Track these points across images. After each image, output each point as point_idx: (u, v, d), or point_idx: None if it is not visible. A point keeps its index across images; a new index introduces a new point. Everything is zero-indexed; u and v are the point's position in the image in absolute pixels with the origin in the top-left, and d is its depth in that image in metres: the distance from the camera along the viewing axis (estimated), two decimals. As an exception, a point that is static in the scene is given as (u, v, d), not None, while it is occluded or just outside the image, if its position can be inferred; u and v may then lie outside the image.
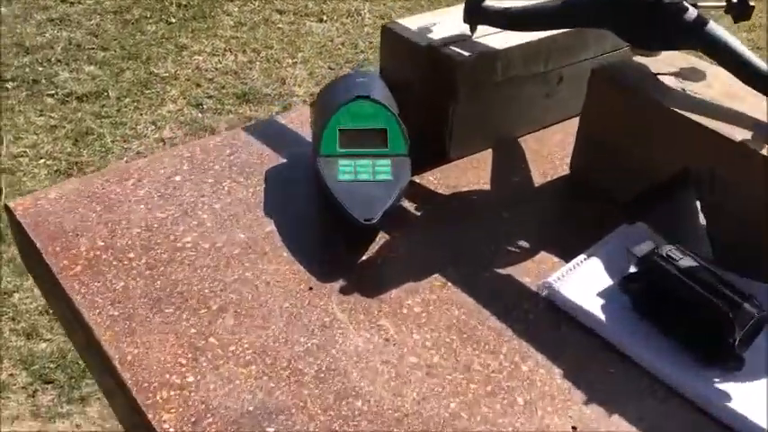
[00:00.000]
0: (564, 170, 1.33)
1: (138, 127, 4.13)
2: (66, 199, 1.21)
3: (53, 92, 4.36)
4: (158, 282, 1.06)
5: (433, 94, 1.29)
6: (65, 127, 4.20)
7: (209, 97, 4.37)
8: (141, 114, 4.25)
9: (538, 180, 1.31)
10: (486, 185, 1.29)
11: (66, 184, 1.24)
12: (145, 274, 1.07)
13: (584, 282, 1.05)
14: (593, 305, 1.02)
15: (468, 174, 1.32)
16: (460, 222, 1.21)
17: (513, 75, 1.31)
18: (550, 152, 1.38)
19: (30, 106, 4.31)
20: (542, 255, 1.14)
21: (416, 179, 1.28)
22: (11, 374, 2.69)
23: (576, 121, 1.34)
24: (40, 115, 4.22)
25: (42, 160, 3.92)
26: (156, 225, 1.16)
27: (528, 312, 1.04)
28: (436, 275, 1.09)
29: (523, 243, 1.16)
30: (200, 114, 4.32)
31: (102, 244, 1.12)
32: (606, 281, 1.06)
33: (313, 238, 1.18)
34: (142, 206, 1.20)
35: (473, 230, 1.19)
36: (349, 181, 1.14)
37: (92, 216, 1.17)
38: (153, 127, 4.24)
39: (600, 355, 0.98)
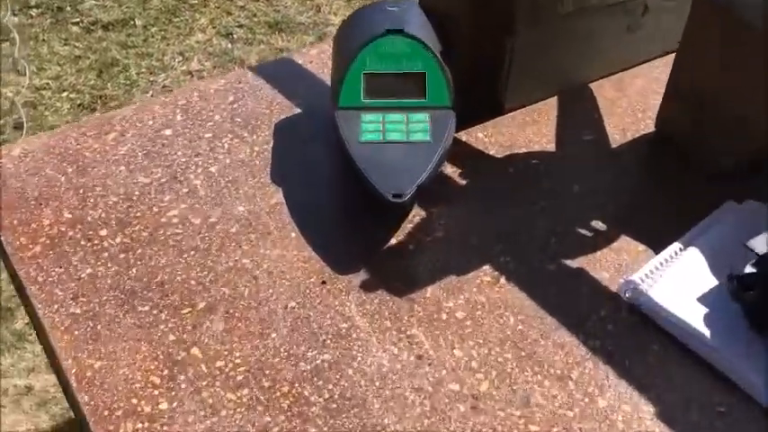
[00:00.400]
0: (648, 126, 1.06)
1: (165, 58, 3.89)
2: (33, 157, 0.99)
3: (78, 20, 4.14)
4: (134, 269, 0.84)
5: (485, 27, 1.02)
6: (89, 57, 3.99)
7: (240, 26, 4.10)
8: (168, 45, 4.01)
9: (615, 139, 1.04)
10: (549, 145, 1.03)
11: (34, 139, 1.02)
12: (118, 257, 0.85)
13: (679, 282, 0.80)
14: (693, 314, 0.77)
15: (528, 130, 1.05)
16: (517, 195, 0.96)
17: (587, 3, 1.03)
18: (631, 103, 1.10)
19: (54, 35, 4.10)
20: (623, 242, 0.88)
21: (461, 136, 1.03)
22: (27, 323, 2.56)
23: (662, 62, 1.05)
24: (65, 44, 4.01)
25: (65, 93, 3.72)
26: (137, 193, 0.94)
27: (606, 322, 0.80)
28: (485, 268, 0.85)
29: (599, 225, 0.91)
30: (229, 45, 4.06)
31: (70, 216, 0.90)
32: (709, 281, 0.81)
33: (330, 214, 0.94)
34: (122, 168, 0.97)
35: (534, 207, 0.94)
36: (375, 142, 0.89)
37: (60, 180, 0.95)
38: (180, 58, 4.00)
39: (704, 384, 0.74)
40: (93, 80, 3.96)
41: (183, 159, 0.99)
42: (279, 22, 4.06)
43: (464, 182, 0.97)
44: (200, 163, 0.99)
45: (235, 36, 4.14)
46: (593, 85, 1.13)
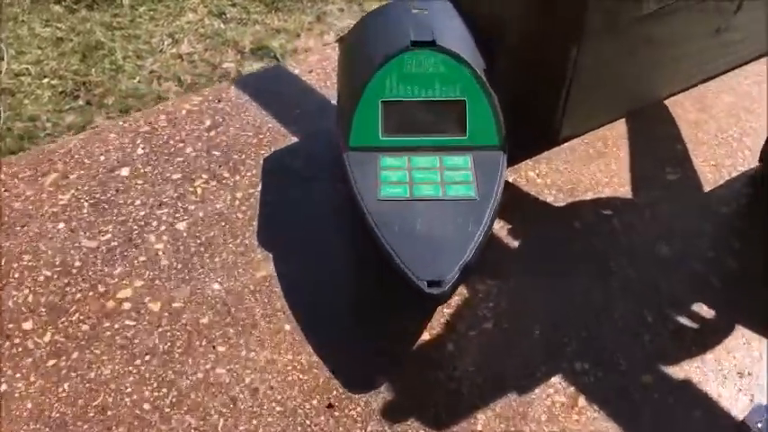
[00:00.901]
0: (748, 160, 0.81)
1: (153, 40, 3.64)
2: (-56, 210, 0.74)
3: (60, -2, 3.87)
4: (66, 384, 0.60)
5: (544, 34, 0.77)
6: (72, 40, 3.73)
7: (233, 5, 3.85)
8: (157, 26, 3.76)
9: (707, 178, 0.80)
10: (623, 188, 0.79)
11: (-52, 182, 0.77)
12: (46, 366, 0.62)
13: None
14: None
15: (593, 166, 0.81)
16: (588, 263, 0.71)
17: (671, 1, 0.78)
18: (720, 126, 0.85)
19: (35, 15, 3.84)
20: (739, 335, 0.65)
21: (507, 175, 0.78)
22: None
23: (753, 71, 0.81)
24: (46, 26, 3.75)
25: (47, 79, 3.47)
26: (77, 263, 0.70)
27: (733, 471, 0.56)
28: (557, 382, 0.61)
29: (703, 310, 0.67)
30: (222, 25, 3.83)
31: (-14, 299, 0.66)
32: None
33: (338, 297, 0.70)
34: (61, 225, 0.73)
35: (612, 282, 0.70)
36: (400, 199, 0.65)
37: (-23, 243, 0.71)
38: (170, 40, 3.75)
39: None
40: (76, 65, 3.70)
41: (143, 212, 0.75)
42: (275, 0, 3.80)
43: (516, 243, 0.73)
44: (164, 217, 0.74)
45: (228, 16, 3.88)
46: (668, 103, 0.88)
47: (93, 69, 4.01)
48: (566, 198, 0.77)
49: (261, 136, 0.84)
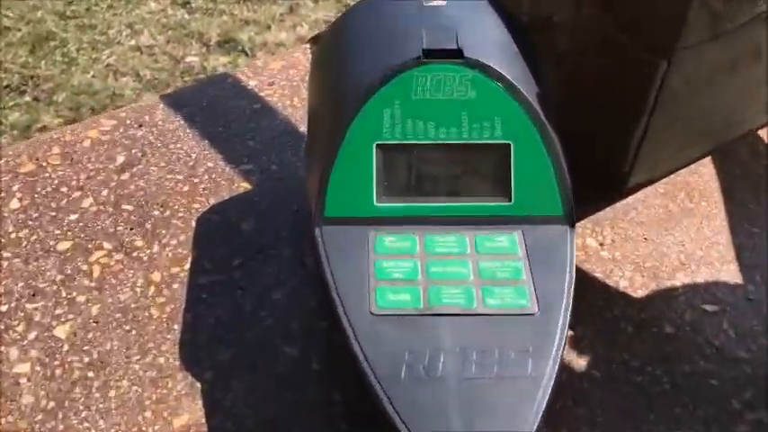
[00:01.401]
0: None
1: (111, 31, 3.34)
2: None
3: (8, -17, 3.55)
4: None
5: (622, 46, 0.52)
6: (20, 30, 3.42)
7: (200, -7, 3.56)
8: (115, 15, 3.45)
9: None
10: (728, 266, 0.54)
11: None
12: None
13: None
14: None
15: (679, 230, 0.56)
16: (708, 408, 0.46)
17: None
18: None
19: (-20, 1, 3.52)
20: None
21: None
22: None
23: None
24: (-8, 13, 3.43)
25: (-10, 72, 3.16)
26: None
27: None
28: None
29: None
30: (186, 15, 3.53)
31: None
32: None
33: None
34: None
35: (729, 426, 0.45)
36: (407, 312, 0.39)
37: None
38: (129, 31, 3.45)
39: None
40: (23, 57, 3.39)
41: (4, 307, 0.48)
42: (244, -12, 3.51)
43: (583, 362, 0.47)
44: (36, 316, 0.48)
45: (193, 5, 3.59)
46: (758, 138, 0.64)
47: (43, 62, 3.60)
48: (647, 282, 0.52)
49: (195, 180, 0.57)
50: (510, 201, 0.43)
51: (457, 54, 0.43)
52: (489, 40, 0.46)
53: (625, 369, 0.47)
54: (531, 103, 0.43)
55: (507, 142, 0.43)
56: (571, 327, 0.43)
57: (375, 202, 0.43)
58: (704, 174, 0.60)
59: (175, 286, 0.51)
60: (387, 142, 0.43)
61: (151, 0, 4.03)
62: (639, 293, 0.51)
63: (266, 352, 0.47)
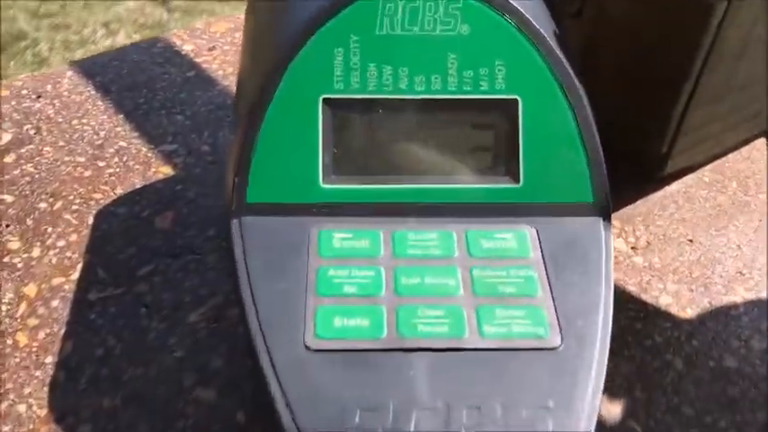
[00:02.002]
0: None
1: (85, 31, 3.20)
2: None
3: (-22, -19, 3.42)
4: None
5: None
6: (-10, 28, 3.28)
7: (179, -8, 3.42)
8: (91, 14, 3.31)
9: None
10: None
11: None
12: None
13: None
14: None
15: (732, 229, 0.43)
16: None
17: None
18: None
19: (-52, -1, 3.39)
20: None
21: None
22: None
23: None
24: (-40, 12, 3.30)
25: (-44, 73, 3.02)
26: None
27: None
28: None
29: None
30: (165, 14, 3.39)
31: None
32: None
33: None
34: None
35: None
36: (364, 347, 0.26)
37: None
38: (104, 31, 3.31)
39: None
40: (-8, 57, 3.25)
41: None
42: (226, -13, 3.38)
43: (617, 411, 0.34)
44: None
45: (172, 4, 3.46)
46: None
47: (12, 62, 3.41)
48: (697, 298, 0.39)
49: (100, 164, 0.44)
50: (518, 182, 0.30)
51: (443, -31, 0.30)
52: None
53: (675, 419, 0.34)
54: (548, 41, 0.30)
55: (514, 97, 0.30)
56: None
57: (321, 183, 0.30)
58: (758, 159, 0.47)
59: (55, 303, 0.37)
60: (339, 97, 0.30)
61: (129, -2, 3.81)
62: (688, 313, 0.38)
63: (174, 396, 0.33)
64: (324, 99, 0.30)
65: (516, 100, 0.30)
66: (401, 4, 0.30)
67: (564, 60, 0.30)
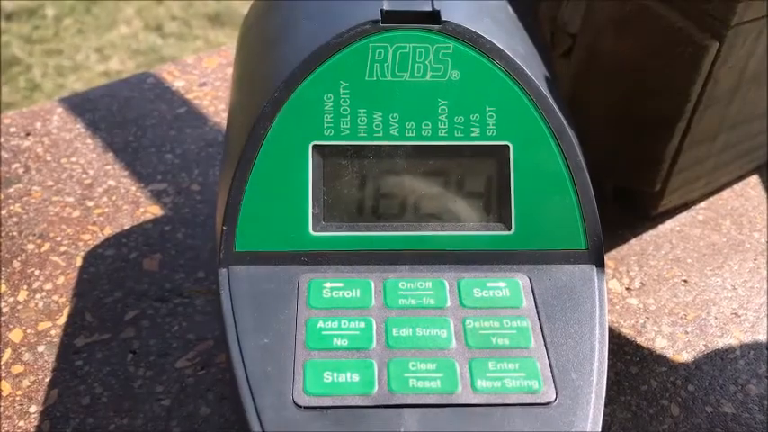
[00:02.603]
0: None
1: (78, 56, 3.21)
2: None
3: (-27, 7, 3.43)
4: None
5: (650, 17, 0.39)
6: (-16, 54, 3.28)
7: (173, 18, 3.43)
8: (84, 40, 3.32)
9: None
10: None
11: None
12: None
13: None
14: None
15: (727, 269, 0.42)
16: None
17: None
18: None
19: (-58, 25, 3.39)
20: None
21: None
22: None
23: None
24: (-45, 38, 3.30)
25: (-51, 99, 3.02)
26: None
27: None
28: None
29: None
30: (159, 41, 3.39)
31: None
32: None
33: None
34: None
35: None
36: (354, 403, 0.25)
37: None
38: (97, 56, 3.31)
39: None
40: (-15, 83, 3.26)
41: None
42: (220, 13, 3.38)
43: (611, 462, 0.33)
44: None
45: (166, 30, 3.46)
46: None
47: (6, 87, 3.42)
48: (692, 341, 0.38)
49: (89, 204, 0.43)
50: (510, 229, 0.30)
51: (431, 17, 0.30)
52: (476, 4, 0.33)
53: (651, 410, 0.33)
54: (539, 87, 0.30)
55: (505, 143, 0.30)
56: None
57: (311, 231, 0.29)
58: (752, 197, 0.47)
59: (41, 349, 0.36)
60: (329, 143, 0.29)
61: (122, 24, 3.90)
62: (684, 356, 0.37)
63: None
64: (314, 146, 0.29)
65: (507, 146, 0.30)
66: (391, 50, 0.29)
67: (554, 106, 0.30)
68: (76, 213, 0.43)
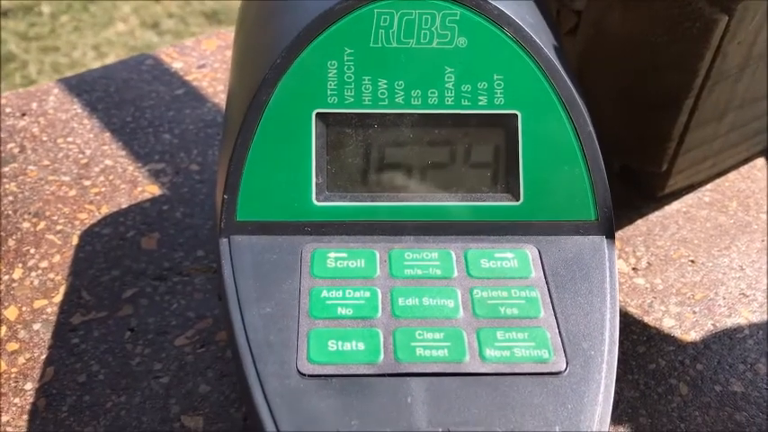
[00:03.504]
0: None
1: (75, 53, 3.20)
2: None
3: (-31, 4, 3.42)
4: None
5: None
6: (-20, 51, 3.27)
7: (170, 16, 3.42)
8: (81, 37, 3.31)
9: None
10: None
11: None
12: None
13: None
14: None
15: (734, 249, 0.42)
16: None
17: None
18: None
19: (-62, 22, 3.38)
20: None
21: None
22: None
23: None
24: (-50, 35, 3.29)
25: (-56, 96, 3.00)
26: None
27: None
28: None
29: None
30: (156, 38, 3.38)
31: None
32: None
33: None
34: None
35: None
36: (360, 372, 0.25)
37: None
38: (93, 53, 3.31)
39: None
40: (-19, 79, 3.24)
41: None
42: (217, 11, 3.38)
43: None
44: None
45: (163, 27, 3.45)
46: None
47: (2, 84, 3.38)
48: (700, 320, 0.37)
49: (86, 183, 0.42)
50: (518, 200, 0.29)
51: (441, -20, 0.29)
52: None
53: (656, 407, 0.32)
54: (548, 55, 0.29)
55: (513, 112, 0.29)
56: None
57: (314, 201, 0.28)
58: (759, 178, 0.46)
59: (37, 327, 0.35)
60: (332, 111, 0.29)
61: (119, 21, 3.88)
62: (693, 336, 0.37)
63: (159, 425, 0.32)
64: (317, 114, 0.29)
65: (516, 115, 0.29)
66: (396, 17, 0.29)
67: (564, 75, 0.29)
68: (73, 192, 0.42)
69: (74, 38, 3.55)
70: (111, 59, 3.44)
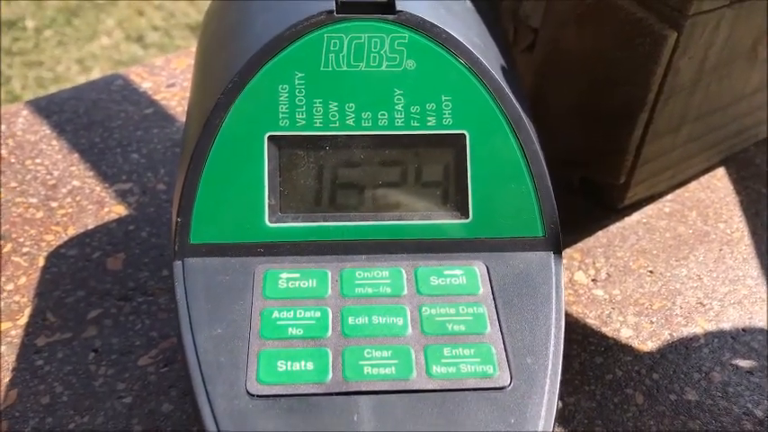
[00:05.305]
0: None
1: (59, 68, 3.19)
2: None
3: (-48, 19, 3.41)
4: None
5: (610, 8, 0.39)
6: (-37, 67, 3.26)
7: (155, 29, 3.42)
8: (65, 51, 3.31)
9: None
10: (760, 306, 0.40)
11: None
12: None
13: None
14: None
15: (693, 260, 0.43)
16: None
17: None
18: None
19: None
20: None
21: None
22: None
23: None
24: (-67, 50, 3.27)
25: (-72, 112, 2.98)
26: None
27: None
28: None
29: None
30: (140, 51, 3.38)
31: None
32: None
33: None
34: None
35: None
36: (308, 391, 0.25)
37: None
38: (78, 67, 3.30)
39: None
40: (-36, 95, 3.23)
41: None
42: (201, 24, 3.39)
43: (575, 451, 0.33)
44: None
45: (147, 41, 3.45)
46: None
47: None
48: (657, 330, 0.38)
49: (53, 204, 0.43)
50: (467, 217, 0.30)
51: (386, 7, 0.30)
52: (433, -9, 0.33)
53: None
54: (494, 75, 0.30)
55: (461, 132, 0.30)
56: (560, 399, 0.29)
57: (267, 222, 0.29)
58: (718, 188, 0.47)
59: (2, 349, 0.36)
60: (284, 134, 0.29)
61: (104, 35, 3.88)
62: (649, 346, 0.37)
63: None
64: (269, 136, 0.29)
65: (464, 134, 0.30)
66: (346, 41, 0.29)
67: (510, 94, 0.30)
68: (40, 214, 0.43)
69: (58, 52, 3.54)
70: (95, 73, 3.43)
